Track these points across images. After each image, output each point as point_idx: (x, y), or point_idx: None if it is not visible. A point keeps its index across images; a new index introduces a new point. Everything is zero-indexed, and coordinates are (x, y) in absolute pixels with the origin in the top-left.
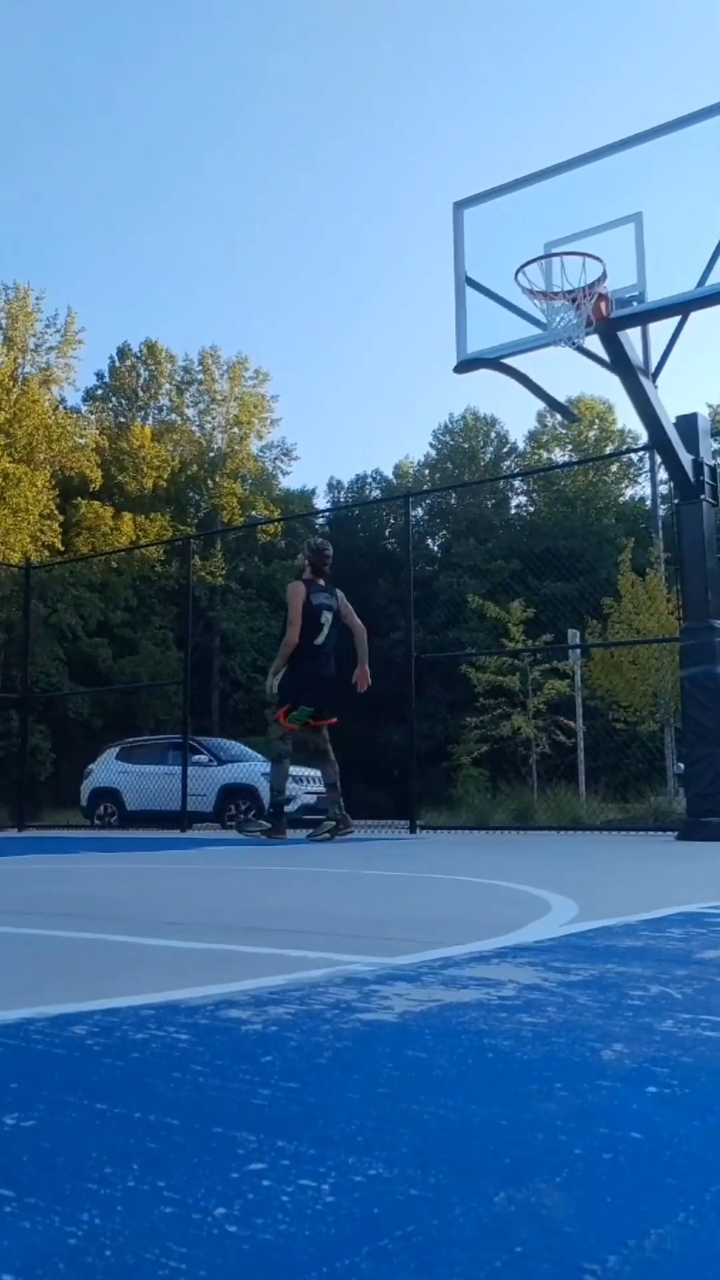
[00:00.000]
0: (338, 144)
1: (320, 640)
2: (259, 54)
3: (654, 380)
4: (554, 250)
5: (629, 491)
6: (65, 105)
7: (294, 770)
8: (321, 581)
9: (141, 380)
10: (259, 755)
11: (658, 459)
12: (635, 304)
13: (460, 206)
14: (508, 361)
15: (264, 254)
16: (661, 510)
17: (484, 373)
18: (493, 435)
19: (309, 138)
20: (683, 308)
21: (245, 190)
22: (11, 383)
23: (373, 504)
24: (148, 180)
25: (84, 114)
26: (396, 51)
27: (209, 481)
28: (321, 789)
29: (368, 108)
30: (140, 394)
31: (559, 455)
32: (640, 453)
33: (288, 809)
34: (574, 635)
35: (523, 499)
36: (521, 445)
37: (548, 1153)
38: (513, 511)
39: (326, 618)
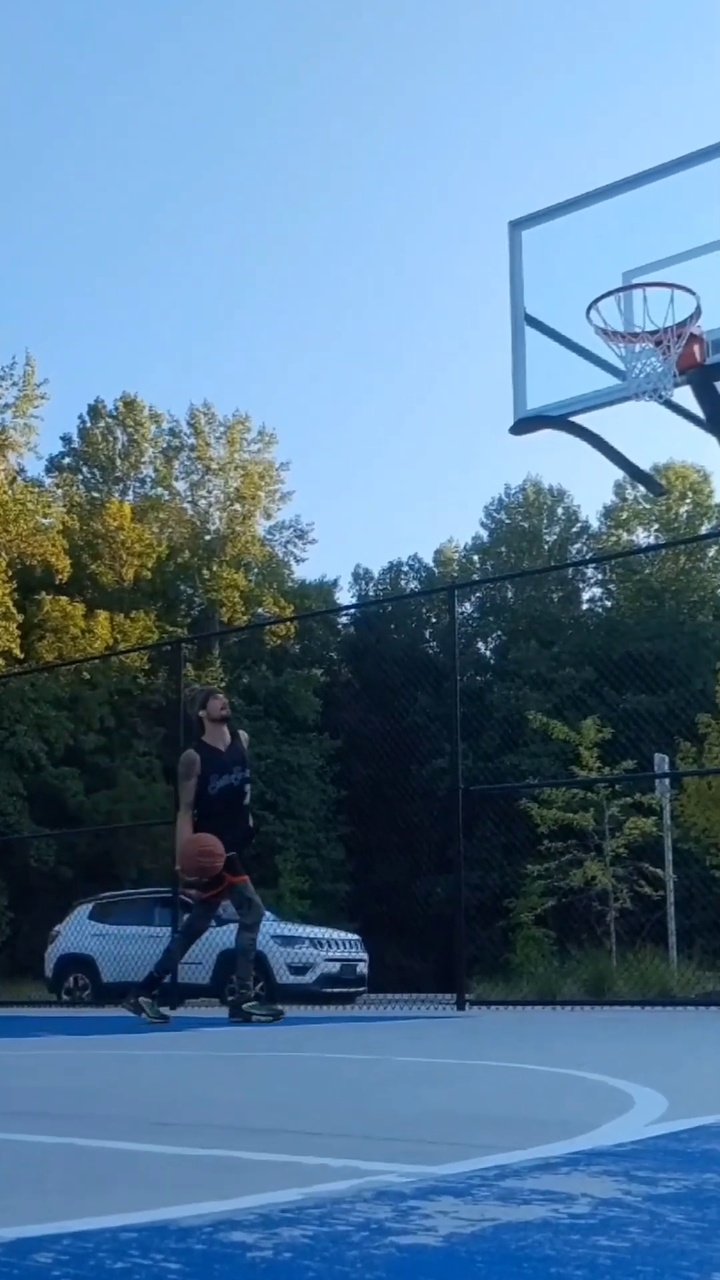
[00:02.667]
0: (358, 160)
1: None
2: (261, 70)
3: None
4: (634, 281)
5: None
6: (36, 119)
7: (314, 932)
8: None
9: (119, 445)
10: (269, 913)
11: None
12: None
13: (517, 227)
14: (577, 420)
15: (268, 291)
16: None
17: (548, 434)
18: (559, 512)
19: (321, 154)
20: None
21: (244, 217)
22: None
23: (410, 598)
24: (125, 205)
25: (55, 129)
26: (424, 51)
27: (204, 571)
28: (350, 955)
29: (396, 115)
30: (117, 462)
31: (642, 536)
32: None
33: (304, 979)
34: (661, 761)
35: (597, 591)
36: (595, 524)
37: None
38: (584, 607)
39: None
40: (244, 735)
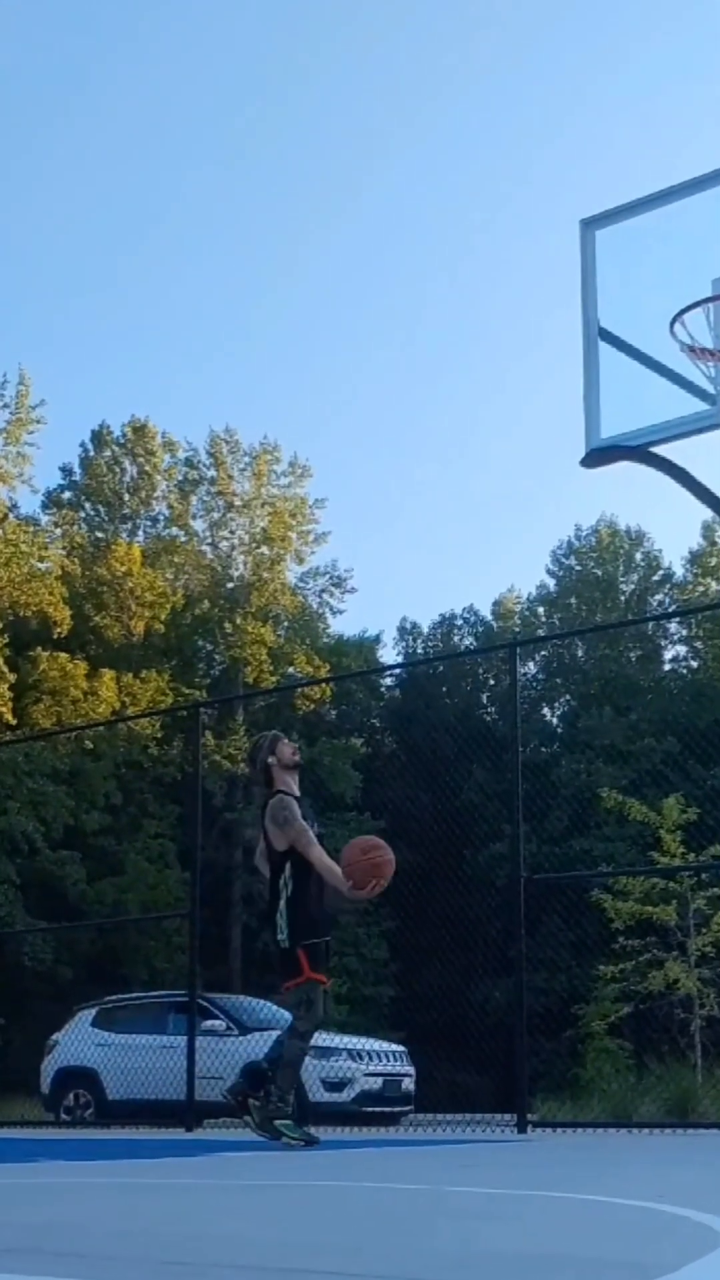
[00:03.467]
0: (406, 156)
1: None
2: (291, 62)
3: None
4: None
5: None
6: (36, 113)
7: (353, 1043)
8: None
9: (128, 478)
10: None
11: None
12: None
13: (590, 226)
14: (659, 450)
15: (302, 304)
16: None
17: (625, 467)
18: (638, 557)
19: (367, 150)
20: None
21: (272, 222)
22: None
23: (464, 656)
24: (134, 204)
25: (59, 123)
26: (473, 30)
27: (226, 624)
28: (394, 1069)
29: (447, 105)
30: (126, 497)
31: None
32: None
33: (341, 1096)
34: None
35: (682, 649)
36: (680, 572)
37: None
38: (667, 668)
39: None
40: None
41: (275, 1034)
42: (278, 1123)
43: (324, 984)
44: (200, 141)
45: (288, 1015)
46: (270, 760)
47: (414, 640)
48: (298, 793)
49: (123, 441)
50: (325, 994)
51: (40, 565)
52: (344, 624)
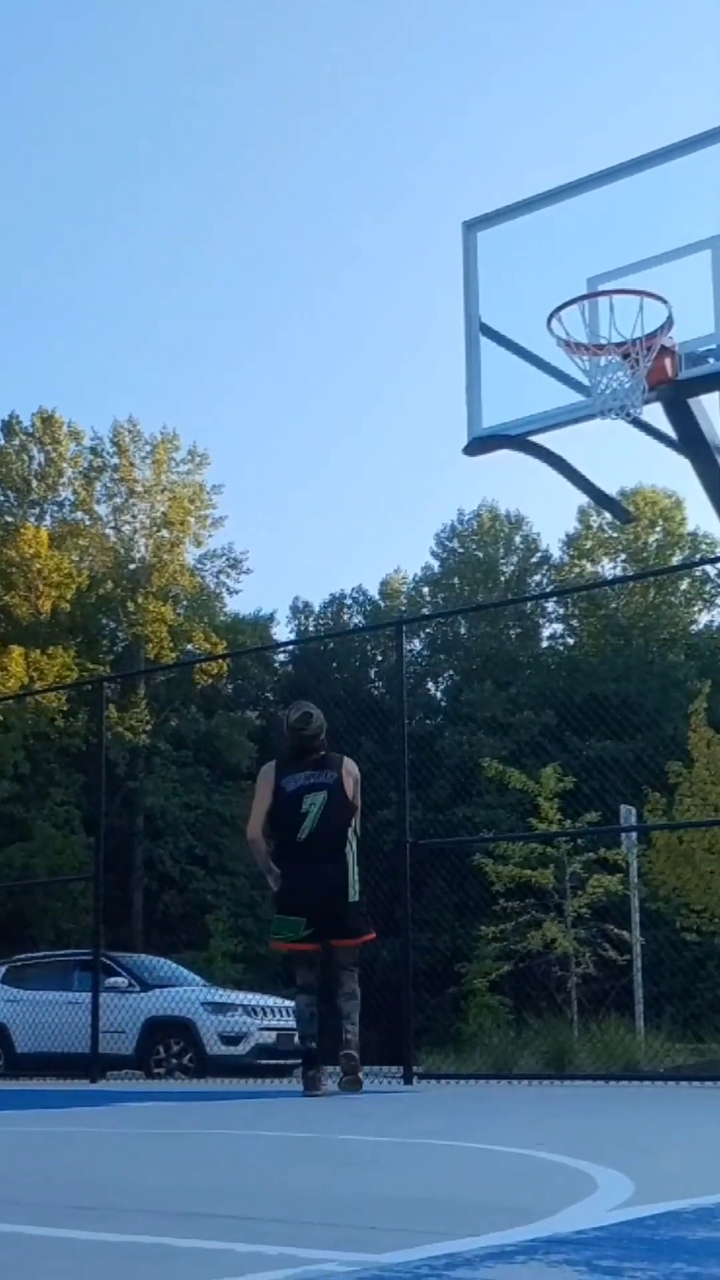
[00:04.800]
0: (300, 159)
1: (302, 835)
2: (193, 63)
3: None
4: (600, 288)
5: (704, 617)
6: None
7: (249, 999)
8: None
9: (35, 466)
10: (197, 978)
11: None
12: (713, 360)
13: (472, 228)
14: (538, 440)
15: (200, 299)
16: None
17: (506, 456)
18: (517, 540)
19: (261, 152)
20: None
21: (173, 219)
22: None
23: (353, 634)
24: (37, 196)
25: None
26: (366, 42)
27: (129, 603)
28: (287, 1024)
29: (337, 111)
30: (34, 484)
31: (608, 568)
32: None
33: (237, 1050)
34: (629, 813)
35: (559, 627)
36: (557, 554)
37: None
38: (545, 644)
39: (312, 802)
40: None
41: (176, 991)
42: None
43: (279, 948)
44: (100, 137)
45: (186, 973)
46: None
47: (306, 618)
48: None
49: (31, 431)
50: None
51: None
52: (240, 603)
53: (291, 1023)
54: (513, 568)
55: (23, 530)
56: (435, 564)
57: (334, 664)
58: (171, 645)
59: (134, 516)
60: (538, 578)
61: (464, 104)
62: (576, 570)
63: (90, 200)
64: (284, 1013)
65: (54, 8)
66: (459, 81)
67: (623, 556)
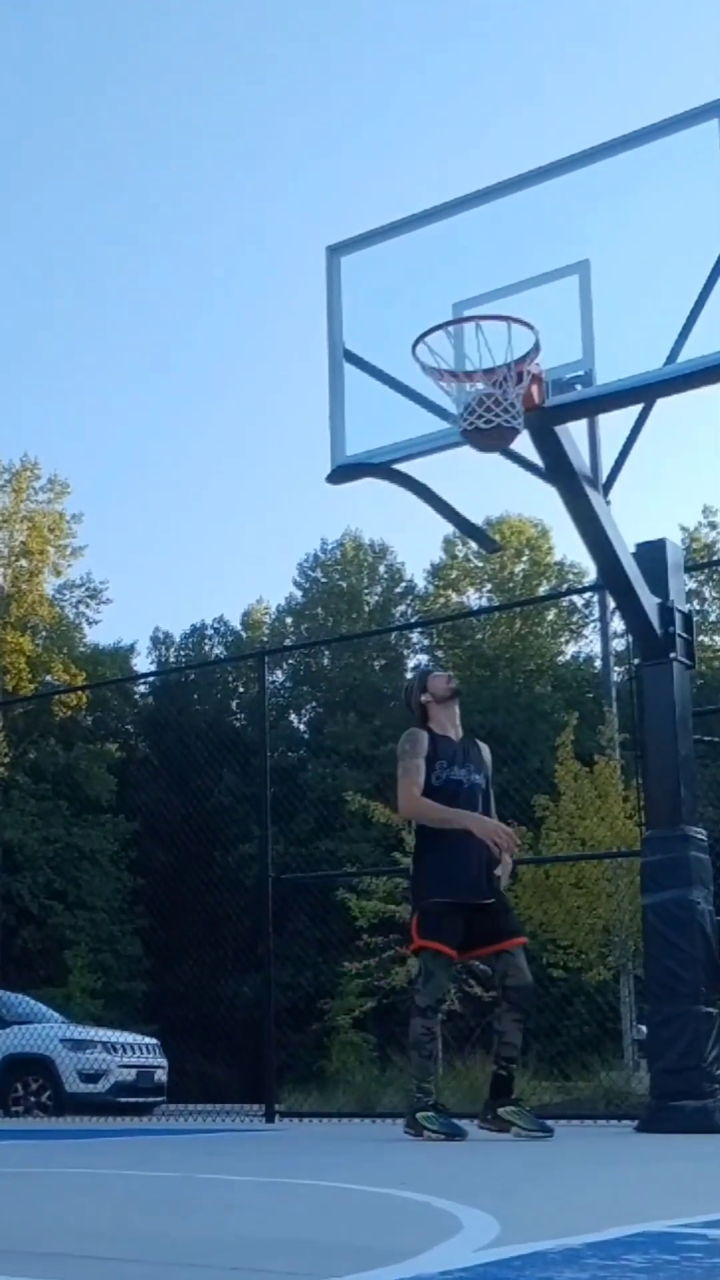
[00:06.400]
0: (161, 185)
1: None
2: (49, 78)
3: (606, 494)
4: (466, 314)
5: (570, 648)
6: None
7: (108, 1036)
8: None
9: None
10: (56, 1015)
11: (610, 603)
12: (580, 387)
13: (336, 252)
14: (402, 468)
15: (62, 328)
16: (616, 674)
17: (369, 484)
18: (381, 570)
19: (125, 177)
20: (645, 393)
21: (34, 243)
22: None
23: (215, 665)
24: None
25: None
26: (234, 66)
27: None
28: (147, 1061)
29: (201, 138)
30: None
31: (473, 598)
32: (587, 594)
33: (96, 1087)
34: None
35: (423, 658)
36: (422, 584)
37: None
38: (409, 675)
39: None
40: (484, 749)
41: (34, 1028)
42: (419, 1115)
43: (443, 952)
44: None
45: (45, 1009)
46: (424, 698)
47: (167, 649)
48: (456, 728)
49: None
50: (448, 965)
51: None
52: (100, 634)
53: (150, 1059)
54: (377, 598)
55: None
56: (298, 594)
57: (195, 695)
58: (30, 676)
59: None
60: (402, 608)
61: (328, 130)
62: (442, 600)
63: None
64: (144, 1050)
65: None
66: (325, 111)
67: (488, 586)
